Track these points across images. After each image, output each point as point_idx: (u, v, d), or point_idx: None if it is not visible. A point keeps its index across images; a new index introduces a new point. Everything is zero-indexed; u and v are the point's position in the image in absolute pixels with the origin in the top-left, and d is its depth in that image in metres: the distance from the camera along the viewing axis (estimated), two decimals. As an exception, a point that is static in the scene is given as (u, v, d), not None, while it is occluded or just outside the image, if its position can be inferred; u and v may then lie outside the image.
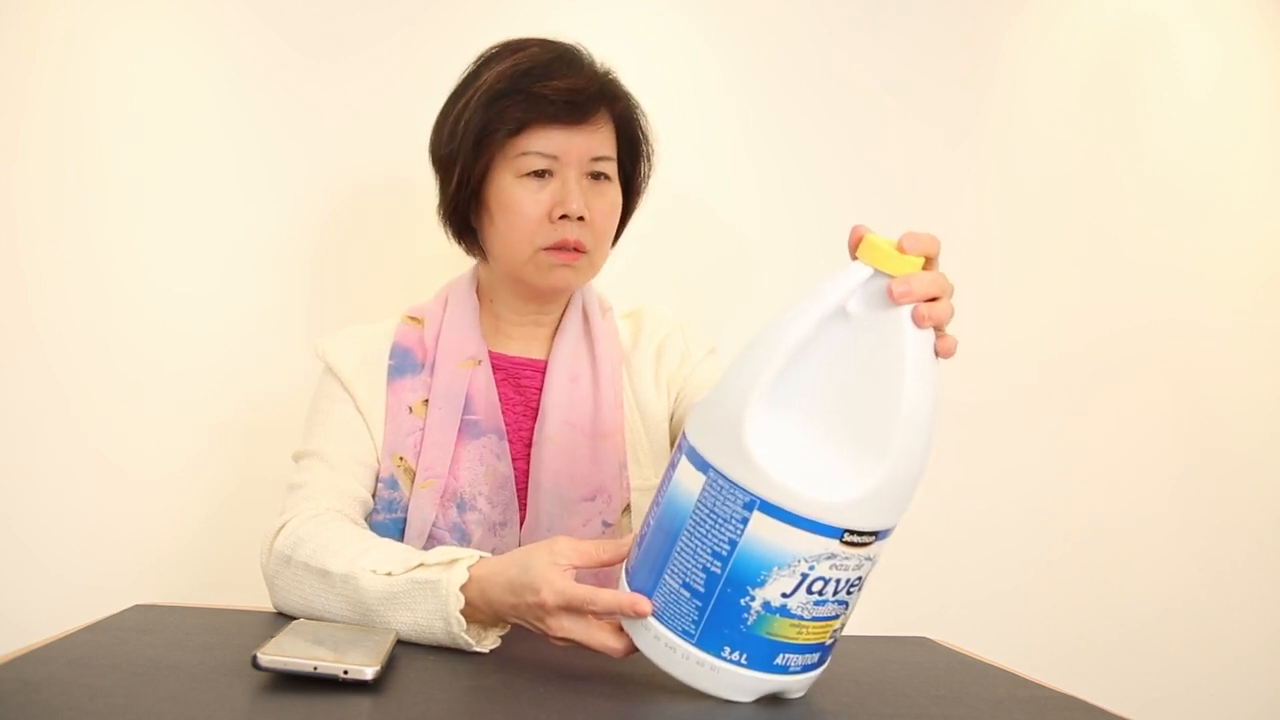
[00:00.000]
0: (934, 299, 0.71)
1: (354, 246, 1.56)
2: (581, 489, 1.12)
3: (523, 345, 1.20)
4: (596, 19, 1.61)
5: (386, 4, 1.57)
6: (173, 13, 1.53)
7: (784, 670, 0.73)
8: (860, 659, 0.94)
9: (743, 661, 0.72)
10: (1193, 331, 1.77)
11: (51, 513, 1.48)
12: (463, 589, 0.87)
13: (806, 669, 0.75)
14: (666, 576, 0.74)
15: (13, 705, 0.63)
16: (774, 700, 0.77)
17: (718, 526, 0.70)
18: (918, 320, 0.69)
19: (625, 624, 0.79)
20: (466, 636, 0.87)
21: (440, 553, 0.92)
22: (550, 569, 0.82)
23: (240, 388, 1.53)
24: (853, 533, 0.69)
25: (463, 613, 0.87)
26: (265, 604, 1.05)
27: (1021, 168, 1.74)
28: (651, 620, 0.75)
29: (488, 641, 0.89)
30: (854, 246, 0.73)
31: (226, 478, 1.52)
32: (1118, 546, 1.74)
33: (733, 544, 0.70)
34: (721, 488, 0.70)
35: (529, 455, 1.14)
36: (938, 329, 0.72)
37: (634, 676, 0.81)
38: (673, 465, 0.75)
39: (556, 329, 1.20)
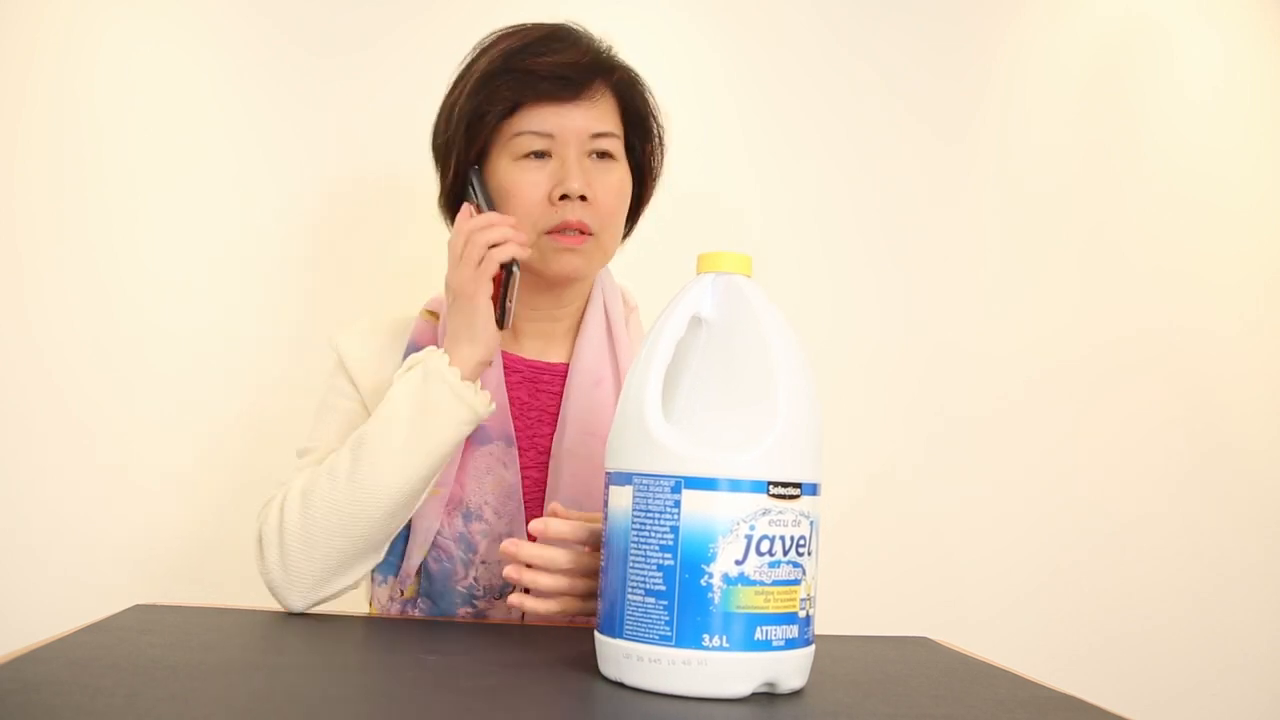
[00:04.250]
0: None
1: (357, 244, 1.56)
2: (600, 505, 1.08)
3: (540, 347, 1.16)
4: (596, 17, 1.61)
5: (386, 1, 1.57)
6: (172, 9, 1.53)
7: (767, 646, 0.75)
8: (860, 659, 0.94)
9: (724, 645, 0.74)
10: (1195, 334, 1.77)
11: (51, 513, 1.48)
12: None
13: (790, 644, 0.76)
14: (629, 595, 0.76)
15: (13, 705, 0.63)
16: (772, 699, 0.77)
17: (657, 521, 0.75)
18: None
19: (606, 668, 0.79)
20: (461, 384, 0.99)
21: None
22: None
23: (241, 387, 1.53)
24: (777, 484, 0.75)
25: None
26: (265, 604, 1.05)
27: (1023, 169, 1.74)
28: (629, 644, 0.76)
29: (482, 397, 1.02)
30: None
31: (227, 478, 1.52)
32: (1121, 549, 1.74)
33: (675, 530, 0.75)
34: (648, 486, 0.76)
35: (544, 464, 1.11)
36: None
37: (634, 676, 0.81)
38: (605, 504, 0.81)
39: (577, 329, 1.16)
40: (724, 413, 0.77)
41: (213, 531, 1.51)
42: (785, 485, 0.76)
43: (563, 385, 1.13)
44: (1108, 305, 1.75)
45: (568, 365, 1.15)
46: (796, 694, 0.78)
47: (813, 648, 0.80)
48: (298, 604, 1.01)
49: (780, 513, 0.75)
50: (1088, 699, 0.81)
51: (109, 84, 1.52)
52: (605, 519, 0.80)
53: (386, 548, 1.04)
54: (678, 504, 0.75)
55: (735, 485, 0.74)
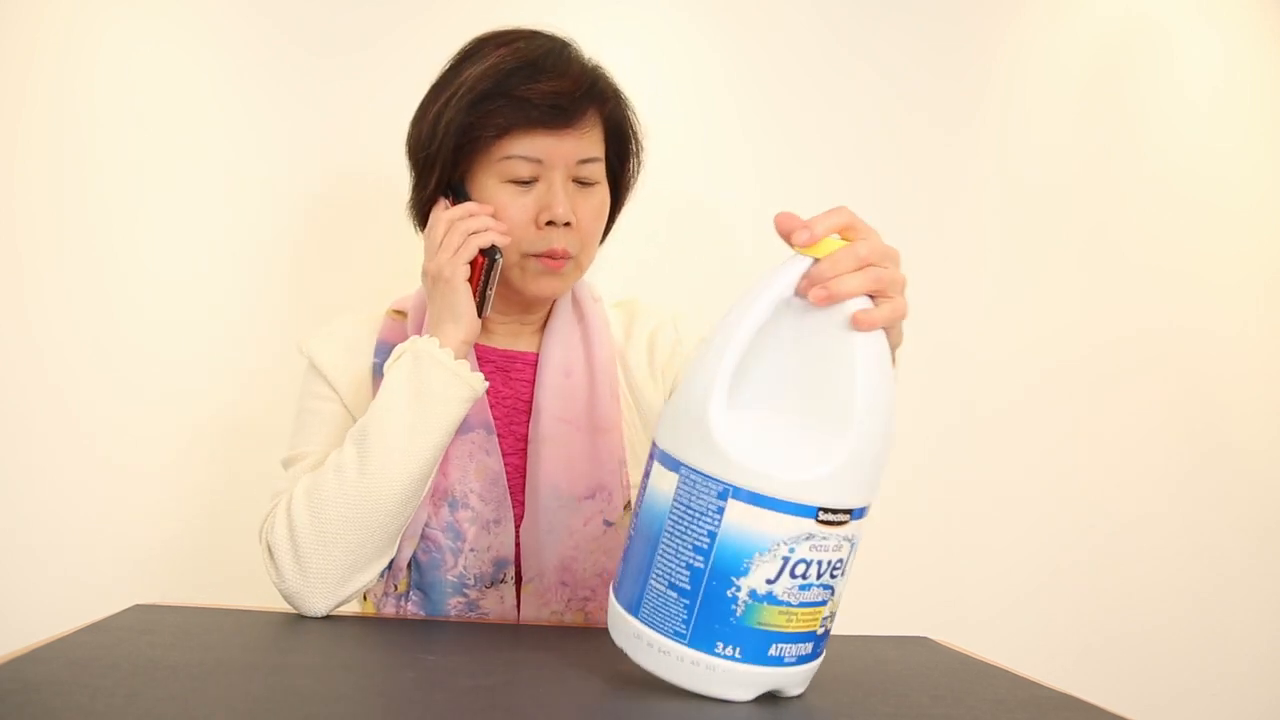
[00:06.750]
0: (874, 292, 0.73)
1: (358, 244, 1.56)
2: (580, 488, 1.10)
3: (509, 339, 1.18)
4: (597, 17, 1.61)
5: (385, 0, 1.57)
6: (172, 9, 1.53)
7: (779, 662, 0.73)
8: (860, 659, 0.94)
9: (737, 656, 0.72)
10: (1195, 334, 1.77)
11: (51, 513, 1.48)
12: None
13: (801, 660, 0.75)
14: (652, 581, 0.74)
15: (13, 705, 0.63)
16: (773, 699, 0.76)
17: (696, 521, 0.71)
18: (856, 325, 0.72)
19: (616, 635, 0.79)
20: (455, 362, 1.02)
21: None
22: None
23: (244, 388, 1.53)
24: (827, 510, 0.71)
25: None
26: (265, 604, 1.05)
27: (1023, 169, 1.74)
28: (642, 627, 0.75)
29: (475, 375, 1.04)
30: (784, 234, 0.74)
31: (229, 478, 1.52)
32: (1121, 549, 1.74)
33: (712, 535, 0.71)
34: (695, 482, 0.72)
35: (523, 451, 1.12)
36: (876, 296, 0.73)
37: (634, 677, 0.81)
38: (646, 474, 0.77)
39: (546, 319, 1.19)
40: (790, 418, 0.72)
41: (214, 532, 1.51)
42: (836, 512, 0.71)
43: (534, 373, 1.16)
44: (1108, 305, 1.75)
45: (537, 354, 1.17)
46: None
47: (821, 659, 0.79)
48: (320, 607, 1.00)
49: (824, 538, 0.71)
50: (1088, 699, 0.81)
51: (109, 84, 1.52)
52: (643, 492, 0.77)
53: (398, 542, 1.05)
54: (721, 510, 0.70)
55: (784, 506, 0.70)
